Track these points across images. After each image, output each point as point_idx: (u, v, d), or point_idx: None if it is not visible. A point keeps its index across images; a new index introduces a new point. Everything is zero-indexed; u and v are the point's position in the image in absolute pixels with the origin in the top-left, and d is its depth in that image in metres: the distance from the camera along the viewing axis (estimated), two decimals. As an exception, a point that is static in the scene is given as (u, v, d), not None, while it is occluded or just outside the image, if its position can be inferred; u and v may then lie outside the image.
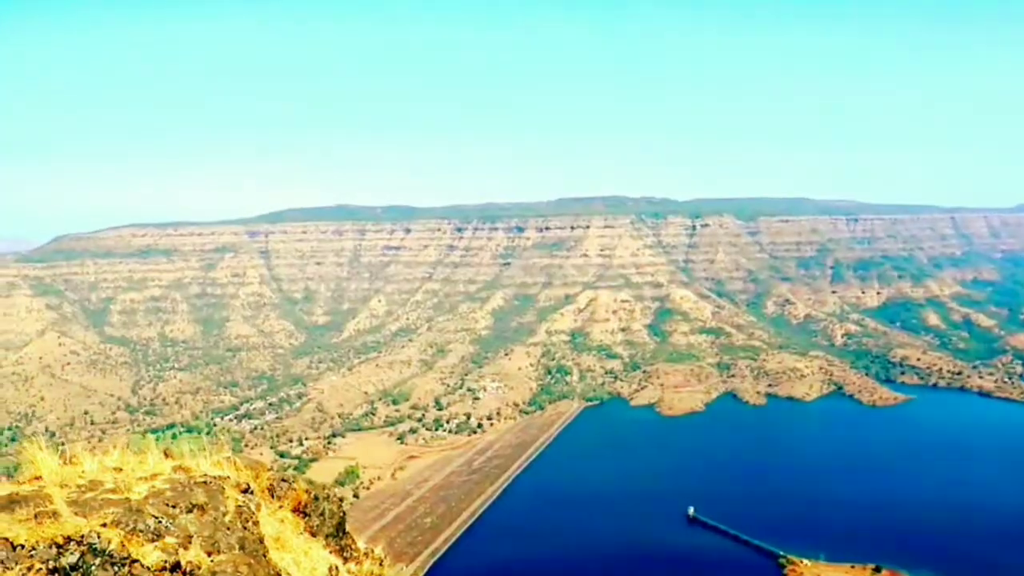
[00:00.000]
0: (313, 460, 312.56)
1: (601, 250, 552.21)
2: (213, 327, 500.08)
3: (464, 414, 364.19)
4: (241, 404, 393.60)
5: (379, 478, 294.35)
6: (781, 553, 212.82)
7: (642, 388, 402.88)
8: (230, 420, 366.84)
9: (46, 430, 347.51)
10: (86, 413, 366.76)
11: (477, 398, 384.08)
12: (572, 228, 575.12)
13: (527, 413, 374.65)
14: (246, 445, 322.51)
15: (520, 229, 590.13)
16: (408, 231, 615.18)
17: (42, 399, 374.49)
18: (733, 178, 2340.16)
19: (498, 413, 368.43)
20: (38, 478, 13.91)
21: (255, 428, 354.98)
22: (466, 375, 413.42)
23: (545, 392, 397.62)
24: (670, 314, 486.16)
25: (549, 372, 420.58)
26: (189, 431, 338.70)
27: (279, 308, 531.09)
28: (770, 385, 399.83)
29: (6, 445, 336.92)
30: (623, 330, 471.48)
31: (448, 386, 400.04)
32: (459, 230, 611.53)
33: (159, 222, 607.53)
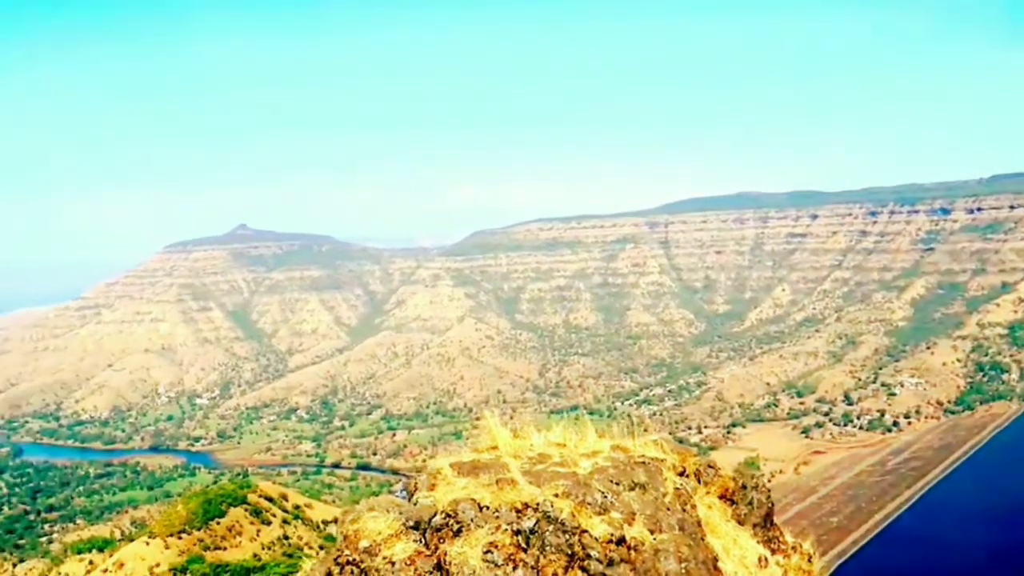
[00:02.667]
0: (712, 449, 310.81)
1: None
2: (614, 315, 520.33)
3: (877, 410, 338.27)
4: (640, 390, 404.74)
5: (780, 472, 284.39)
6: None
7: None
8: (630, 405, 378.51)
9: (464, 406, 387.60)
10: (499, 392, 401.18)
11: (892, 394, 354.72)
12: (1011, 207, 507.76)
13: (952, 413, 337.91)
14: (645, 430, 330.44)
15: (945, 211, 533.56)
16: (815, 217, 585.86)
17: (461, 378, 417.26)
18: None
19: (917, 411, 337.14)
20: (494, 448, 15.37)
21: (654, 414, 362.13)
22: (879, 369, 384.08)
23: (975, 391, 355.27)
24: None
25: (980, 369, 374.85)
26: (591, 413, 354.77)
27: (678, 297, 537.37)
28: None
29: (432, 417, 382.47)
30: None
31: (859, 380, 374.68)
32: (872, 214, 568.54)
33: (564, 216, 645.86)
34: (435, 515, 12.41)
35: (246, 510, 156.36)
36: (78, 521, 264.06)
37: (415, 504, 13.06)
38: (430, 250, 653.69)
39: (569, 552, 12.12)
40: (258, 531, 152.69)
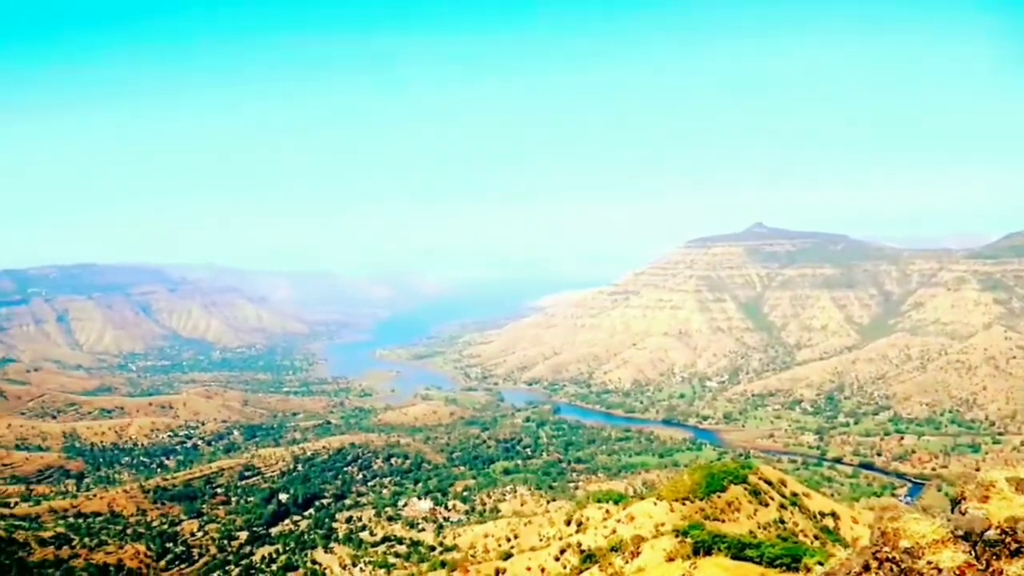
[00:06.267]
0: None
1: None
2: None
3: None
4: None
5: None
6: None
7: None
8: None
9: (986, 418, 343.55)
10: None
11: None
12: None
13: None
14: None
15: None
16: None
17: (984, 388, 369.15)
18: None
19: None
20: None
21: None
22: None
23: None
24: None
25: None
26: None
27: None
28: None
29: (946, 425, 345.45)
30: None
31: None
32: None
33: None
34: (988, 529, 11.01)
35: (745, 489, 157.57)
36: (599, 475, 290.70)
37: (963, 514, 11.72)
38: (955, 251, 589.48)
39: None
40: (755, 511, 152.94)
